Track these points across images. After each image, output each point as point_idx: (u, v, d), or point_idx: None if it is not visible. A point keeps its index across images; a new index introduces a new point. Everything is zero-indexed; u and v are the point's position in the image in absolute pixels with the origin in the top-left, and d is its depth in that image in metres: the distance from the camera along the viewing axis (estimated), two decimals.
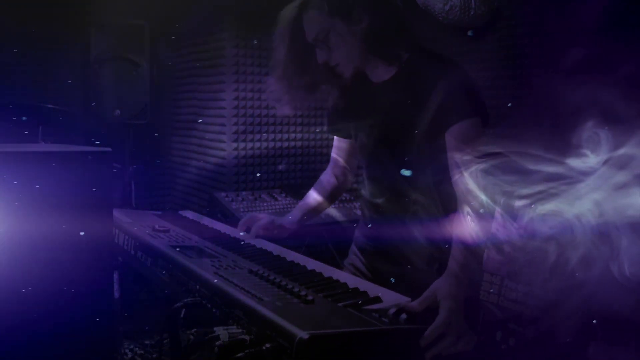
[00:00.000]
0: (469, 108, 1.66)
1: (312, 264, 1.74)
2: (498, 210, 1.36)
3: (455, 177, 1.62)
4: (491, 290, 1.34)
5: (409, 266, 1.84)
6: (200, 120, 3.69)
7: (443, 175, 1.69)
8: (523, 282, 1.28)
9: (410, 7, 1.81)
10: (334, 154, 2.20)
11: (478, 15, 2.78)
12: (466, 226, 1.51)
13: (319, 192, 2.21)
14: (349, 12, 1.76)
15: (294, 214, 2.19)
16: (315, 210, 2.22)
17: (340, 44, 1.78)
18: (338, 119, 2.06)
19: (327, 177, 2.23)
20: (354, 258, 2.09)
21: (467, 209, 1.53)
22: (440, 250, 1.71)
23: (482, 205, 1.51)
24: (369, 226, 2.01)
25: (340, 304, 1.35)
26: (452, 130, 1.66)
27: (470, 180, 1.56)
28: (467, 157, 1.57)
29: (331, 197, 2.23)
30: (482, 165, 1.55)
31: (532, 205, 1.27)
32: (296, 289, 1.37)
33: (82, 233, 1.35)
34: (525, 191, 1.28)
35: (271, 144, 3.58)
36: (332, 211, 3.21)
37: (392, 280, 1.73)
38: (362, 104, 1.94)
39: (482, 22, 2.83)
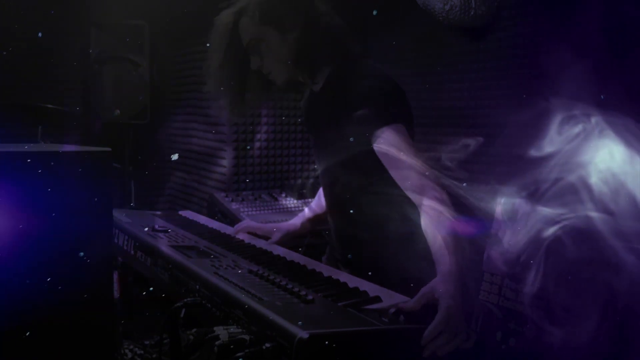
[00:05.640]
0: (388, 116, 1.66)
1: (312, 264, 1.74)
2: (498, 210, 1.36)
3: (404, 178, 1.62)
4: (491, 290, 1.34)
5: (369, 273, 1.83)
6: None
7: (384, 182, 1.68)
8: (523, 282, 1.28)
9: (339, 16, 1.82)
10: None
11: (478, 15, 2.77)
12: (434, 222, 1.50)
13: (316, 204, 2.23)
14: (281, 20, 1.77)
15: (294, 221, 2.20)
16: (312, 221, 2.22)
17: (270, 53, 1.81)
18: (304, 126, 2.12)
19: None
20: (329, 254, 2.12)
21: (427, 202, 1.53)
22: (388, 255, 1.75)
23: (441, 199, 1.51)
24: (331, 229, 2.03)
25: (340, 304, 1.35)
26: (377, 138, 1.65)
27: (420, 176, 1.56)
28: (405, 161, 1.59)
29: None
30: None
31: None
32: (296, 289, 1.38)
33: (81, 233, 1.35)
34: None
35: (271, 144, 3.58)
36: None
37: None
38: (307, 111, 2.00)
39: (482, 22, 2.82)
